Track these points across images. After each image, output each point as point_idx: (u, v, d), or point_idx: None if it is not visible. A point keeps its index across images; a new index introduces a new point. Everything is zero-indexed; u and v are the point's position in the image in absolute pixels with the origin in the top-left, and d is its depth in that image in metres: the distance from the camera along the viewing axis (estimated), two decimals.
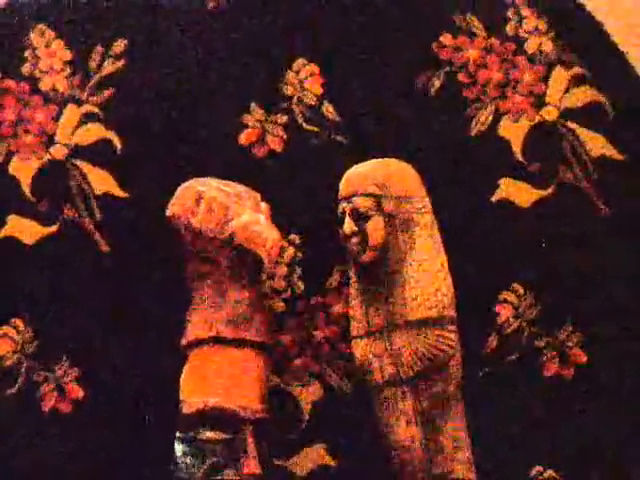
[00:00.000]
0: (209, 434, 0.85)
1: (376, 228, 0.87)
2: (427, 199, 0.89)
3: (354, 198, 0.88)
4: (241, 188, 0.91)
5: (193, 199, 0.89)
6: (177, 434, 0.85)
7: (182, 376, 0.87)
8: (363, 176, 0.88)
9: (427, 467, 0.85)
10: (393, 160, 0.90)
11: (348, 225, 0.87)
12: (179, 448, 0.85)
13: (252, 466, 0.85)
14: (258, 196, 0.92)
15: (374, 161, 0.90)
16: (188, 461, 0.84)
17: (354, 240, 0.87)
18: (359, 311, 0.89)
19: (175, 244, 0.89)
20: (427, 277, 0.86)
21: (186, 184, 0.90)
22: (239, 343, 0.87)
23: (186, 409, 0.85)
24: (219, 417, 0.85)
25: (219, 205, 0.88)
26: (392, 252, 0.87)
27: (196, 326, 0.88)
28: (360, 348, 0.88)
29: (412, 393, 0.86)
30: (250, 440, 0.85)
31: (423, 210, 0.88)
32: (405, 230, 0.87)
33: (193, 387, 0.86)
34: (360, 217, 0.87)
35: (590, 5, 1.04)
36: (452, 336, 0.86)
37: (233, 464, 0.84)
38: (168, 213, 0.89)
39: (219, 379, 0.86)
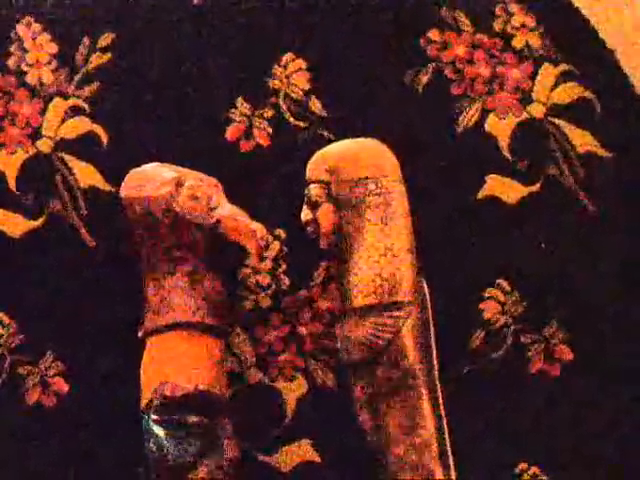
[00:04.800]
0: (194, 418, 0.84)
1: (325, 215, 0.87)
2: (387, 178, 0.87)
3: (310, 186, 0.88)
4: (213, 180, 0.91)
5: (172, 184, 0.88)
6: (154, 417, 0.84)
7: (149, 359, 0.87)
8: (316, 162, 0.89)
9: (381, 452, 0.85)
10: (352, 141, 0.90)
11: (303, 214, 0.89)
12: (160, 432, 0.84)
13: (233, 450, 0.85)
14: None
15: (333, 144, 0.90)
16: (173, 446, 0.84)
17: (310, 228, 0.88)
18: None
19: (129, 226, 0.89)
20: (369, 262, 0.86)
21: (148, 167, 0.90)
22: (211, 330, 0.87)
23: (171, 392, 0.84)
24: (203, 401, 0.84)
25: (202, 192, 0.88)
26: (344, 238, 0.87)
27: (172, 310, 0.87)
28: None
29: (359, 379, 0.86)
30: (228, 425, 0.85)
31: (376, 192, 0.87)
32: (357, 215, 0.87)
33: (173, 371, 0.85)
34: (314, 205, 0.88)
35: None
36: (391, 322, 0.84)
37: (217, 448, 0.84)
38: (133, 194, 0.88)
39: (196, 364, 0.86)
